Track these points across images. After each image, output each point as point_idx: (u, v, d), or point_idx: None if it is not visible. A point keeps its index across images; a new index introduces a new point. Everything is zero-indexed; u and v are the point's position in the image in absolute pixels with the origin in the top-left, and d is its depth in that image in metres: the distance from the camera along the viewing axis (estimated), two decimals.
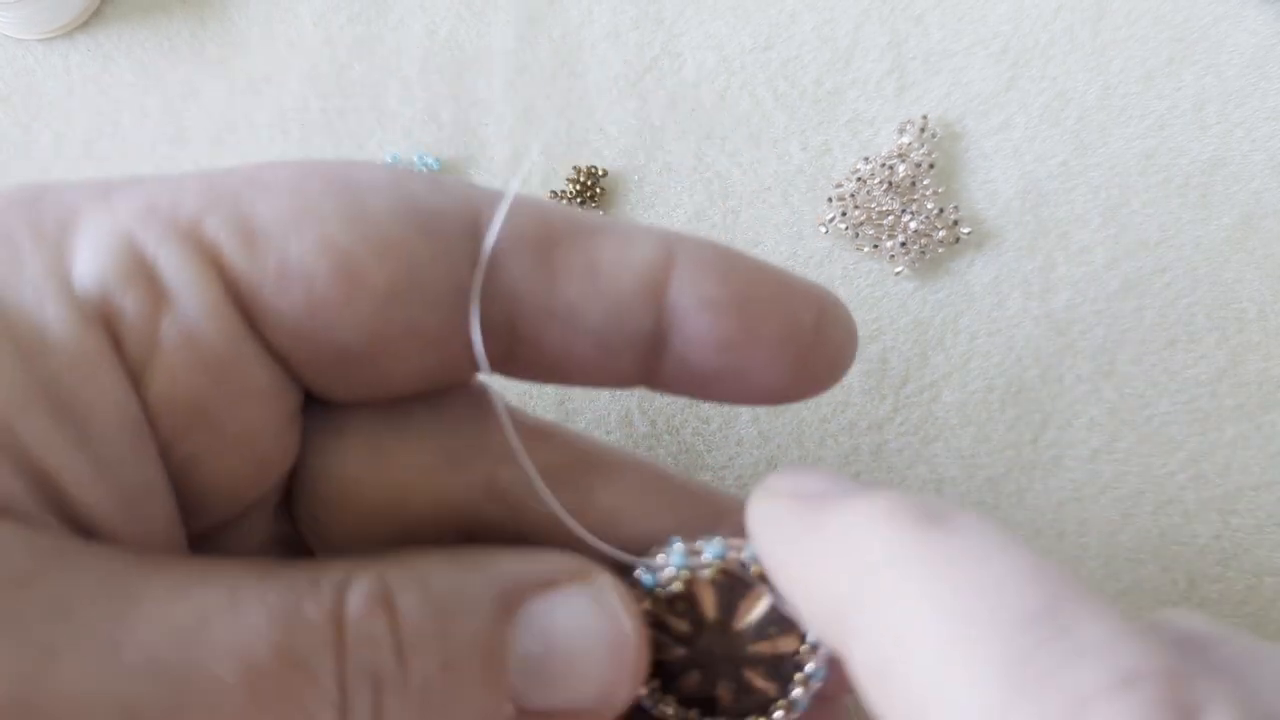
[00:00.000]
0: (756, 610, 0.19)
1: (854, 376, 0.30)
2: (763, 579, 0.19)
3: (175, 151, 0.33)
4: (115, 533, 0.16)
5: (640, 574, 0.18)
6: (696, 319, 0.18)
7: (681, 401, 0.29)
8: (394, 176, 0.18)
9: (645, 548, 0.19)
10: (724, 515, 0.20)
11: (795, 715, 0.19)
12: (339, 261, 0.16)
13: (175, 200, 0.17)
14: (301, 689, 0.15)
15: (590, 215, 0.19)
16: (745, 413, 0.30)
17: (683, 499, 0.20)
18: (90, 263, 0.16)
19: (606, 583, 0.18)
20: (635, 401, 0.29)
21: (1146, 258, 0.31)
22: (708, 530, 0.19)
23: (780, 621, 0.19)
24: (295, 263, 0.16)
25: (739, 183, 0.32)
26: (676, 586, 0.19)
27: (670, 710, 0.19)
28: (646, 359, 0.19)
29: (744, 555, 0.19)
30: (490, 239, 0.17)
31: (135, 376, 0.16)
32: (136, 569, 0.15)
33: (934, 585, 0.14)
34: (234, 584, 0.15)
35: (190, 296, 0.16)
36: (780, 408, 0.30)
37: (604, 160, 0.32)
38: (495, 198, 0.18)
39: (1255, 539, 0.29)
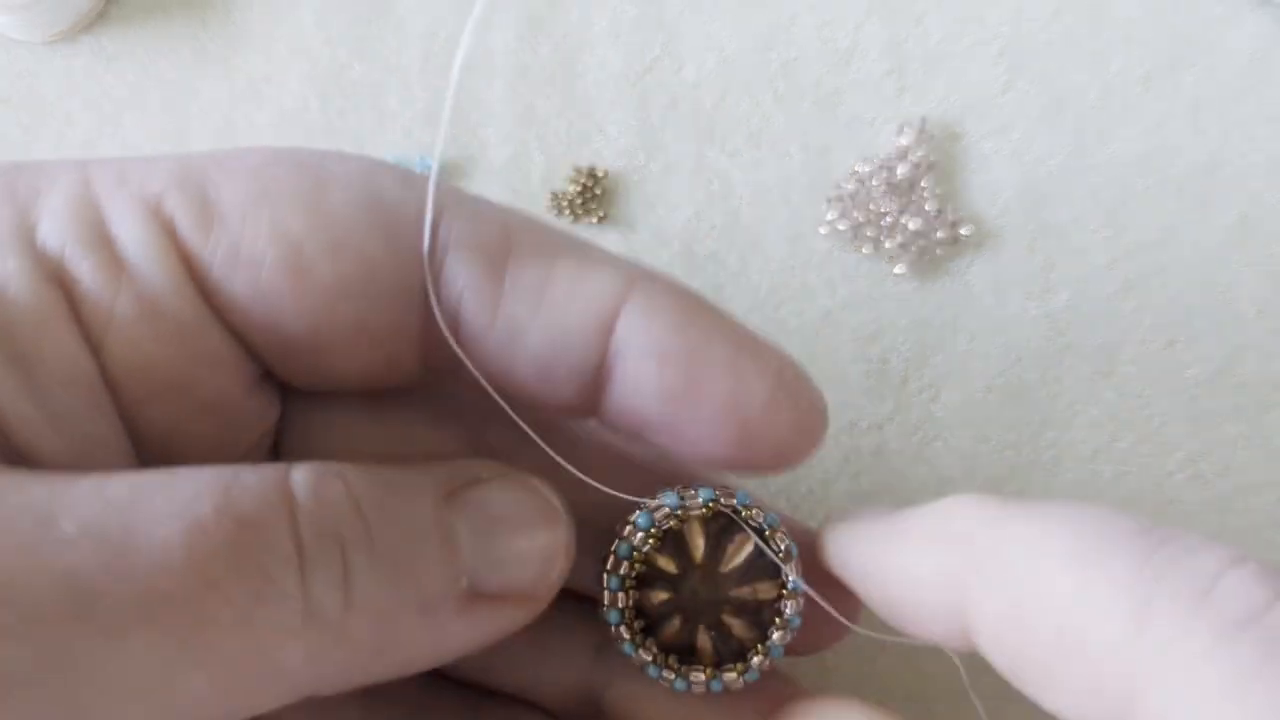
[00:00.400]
0: (742, 554, 0.19)
1: (854, 376, 0.30)
2: (749, 522, 0.19)
3: (176, 152, 0.33)
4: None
5: (637, 515, 0.19)
6: (640, 364, 0.18)
7: None
8: (365, 170, 0.18)
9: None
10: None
11: (770, 661, 0.19)
12: (288, 251, 0.17)
13: (144, 176, 0.17)
14: (252, 546, 0.14)
15: (560, 234, 0.19)
16: None
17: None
18: (52, 226, 0.16)
19: (535, 479, 0.18)
20: None
21: (1146, 258, 0.31)
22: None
23: (763, 570, 0.19)
24: (245, 248, 0.17)
25: (739, 183, 0.32)
26: (671, 524, 0.19)
27: (649, 657, 0.19)
28: (590, 392, 0.18)
29: (735, 500, 0.19)
30: (426, 239, 0.17)
31: (94, 340, 0.16)
32: (68, 477, 0.15)
33: (1043, 526, 0.15)
34: (169, 471, 0.15)
35: (148, 268, 0.16)
36: None
37: (604, 160, 0.32)
38: (465, 202, 0.18)
39: (1254, 539, 0.29)
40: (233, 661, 0.14)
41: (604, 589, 0.20)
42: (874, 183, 0.32)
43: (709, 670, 0.19)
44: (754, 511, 0.19)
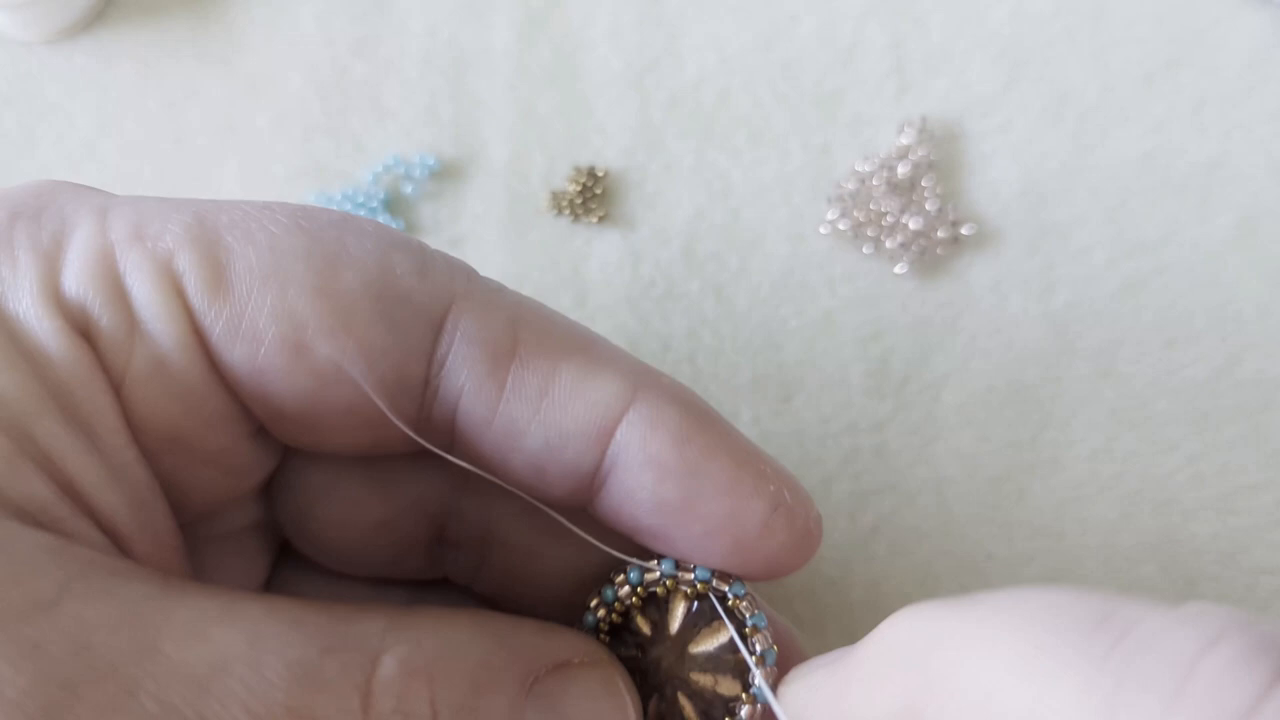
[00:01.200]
0: (715, 642, 0.19)
1: (854, 376, 0.30)
2: (732, 614, 0.19)
3: (177, 151, 0.33)
4: (131, 536, 0.16)
5: (630, 570, 0.19)
6: (636, 476, 0.18)
7: None
8: (382, 251, 0.18)
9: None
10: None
11: (760, 707, 0.19)
12: (290, 331, 0.17)
13: (160, 230, 0.17)
14: None
15: (569, 330, 0.18)
16: (745, 414, 0.30)
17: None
18: (74, 279, 0.16)
19: (616, 670, 0.18)
20: None
21: (1146, 258, 0.31)
22: None
23: (732, 665, 0.19)
24: (248, 322, 0.17)
25: (739, 183, 0.32)
26: (659, 589, 0.19)
27: None
28: (584, 492, 0.18)
29: (729, 588, 0.19)
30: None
31: (115, 391, 0.17)
32: (159, 598, 0.15)
33: (992, 633, 0.13)
34: (257, 629, 0.15)
35: (158, 327, 0.17)
36: (781, 408, 0.30)
37: (604, 160, 0.32)
38: (476, 292, 0.18)
39: (1253, 539, 0.29)
40: None
41: (581, 626, 0.20)
42: (875, 182, 0.32)
43: None
44: (743, 604, 0.19)
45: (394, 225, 0.31)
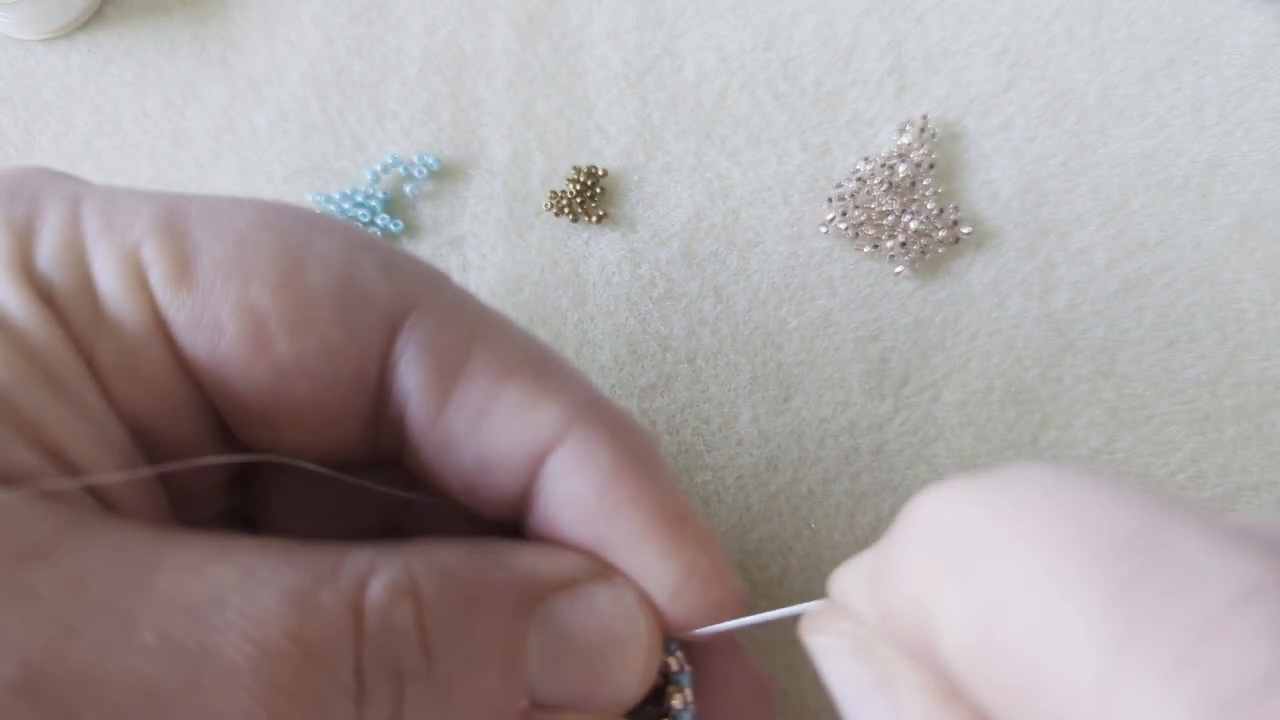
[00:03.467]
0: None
1: (854, 376, 0.30)
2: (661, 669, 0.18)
3: (175, 151, 0.33)
4: (120, 499, 0.16)
5: None
6: (558, 510, 0.18)
7: (681, 401, 0.29)
8: (350, 247, 0.18)
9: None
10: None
11: None
12: (250, 324, 0.17)
13: (129, 220, 0.17)
14: (315, 677, 0.14)
15: (524, 350, 0.18)
16: (745, 413, 0.30)
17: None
18: (45, 262, 0.17)
19: (624, 583, 0.18)
20: (635, 402, 0.29)
21: (1146, 258, 0.31)
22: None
23: (658, 714, 0.19)
24: (210, 314, 0.17)
25: (739, 183, 0.32)
26: None
27: None
28: (513, 509, 0.18)
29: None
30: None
31: (89, 367, 0.17)
32: (152, 542, 0.15)
33: (1020, 529, 0.12)
34: (251, 564, 0.15)
35: (123, 316, 0.17)
36: (780, 408, 0.30)
37: (604, 160, 0.32)
38: (441, 299, 0.18)
39: None
40: None
41: None
42: (874, 182, 0.32)
43: None
44: (672, 660, 0.19)
45: (393, 226, 0.31)
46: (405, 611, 0.16)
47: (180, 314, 0.17)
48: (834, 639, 0.17)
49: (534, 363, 0.18)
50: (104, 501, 0.16)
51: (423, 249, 0.31)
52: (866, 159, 0.32)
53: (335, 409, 0.18)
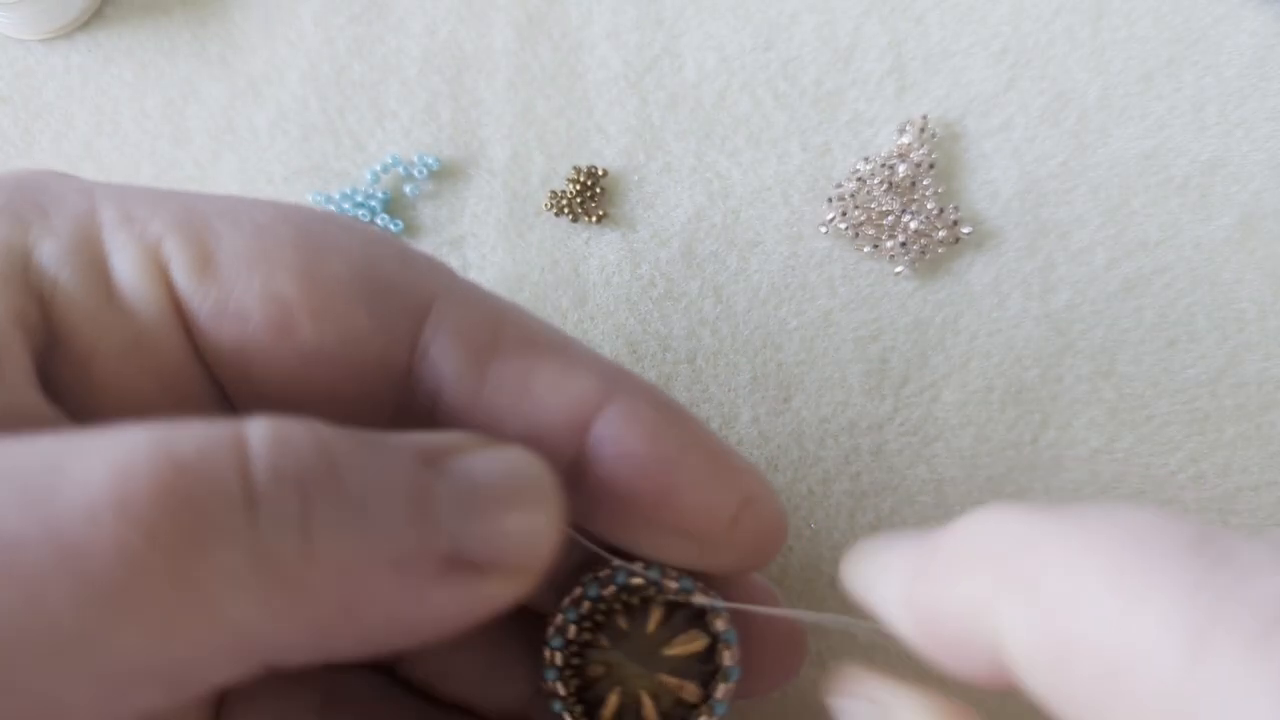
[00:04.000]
0: (687, 649, 0.19)
1: (854, 376, 0.30)
2: (707, 627, 0.20)
3: (175, 151, 0.33)
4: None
5: (617, 573, 0.19)
6: (612, 468, 0.18)
7: (681, 401, 0.29)
8: (367, 242, 0.18)
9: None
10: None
11: (717, 718, 0.19)
12: (276, 310, 0.17)
13: (148, 215, 0.17)
14: (191, 490, 0.13)
15: (546, 331, 0.19)
16: (745, 413, 0.30)
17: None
18: (53, 249, 0.16)
19: (521, 448, 0.17)
20: None
21: (1146, 258, 0.31)
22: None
23: (698, 674, 0.19)
24: (235, 301, 0.17)
25: (739, 183, 0.32)
26: (634, 598, 0.20)
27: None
28: (563, 484, 0.18)
29: (708, 602, 0.19)
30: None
31: (80, 366, 0.17)
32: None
33: (1082, 541, 0.13)
34: (110, 427, 0.14)
35: (140, 305, 0.17)
36: (780, 408, 0.30)
37: (604, 160, 0.32)
38: (457, 289, 0.18)
39: None
40: (171, 617, 0.13)
41: (560, 616, 0.20)
42: (874, 182, 0.32)
43: None
44: (719, 620, 0.20)
45: (393, 226, 0.31)
46: (298, 432, 0.14)
47: (204, 303, 0.17)
48: (862, 706, 0.17)
49: (558, 341, 0.19)
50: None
51: (422, 249, 0.31)
52: (866, 159, 0.32)
53: (360, 397, 0.18)
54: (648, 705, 0.19)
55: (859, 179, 0.32)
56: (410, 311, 0.18)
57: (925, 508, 0.29)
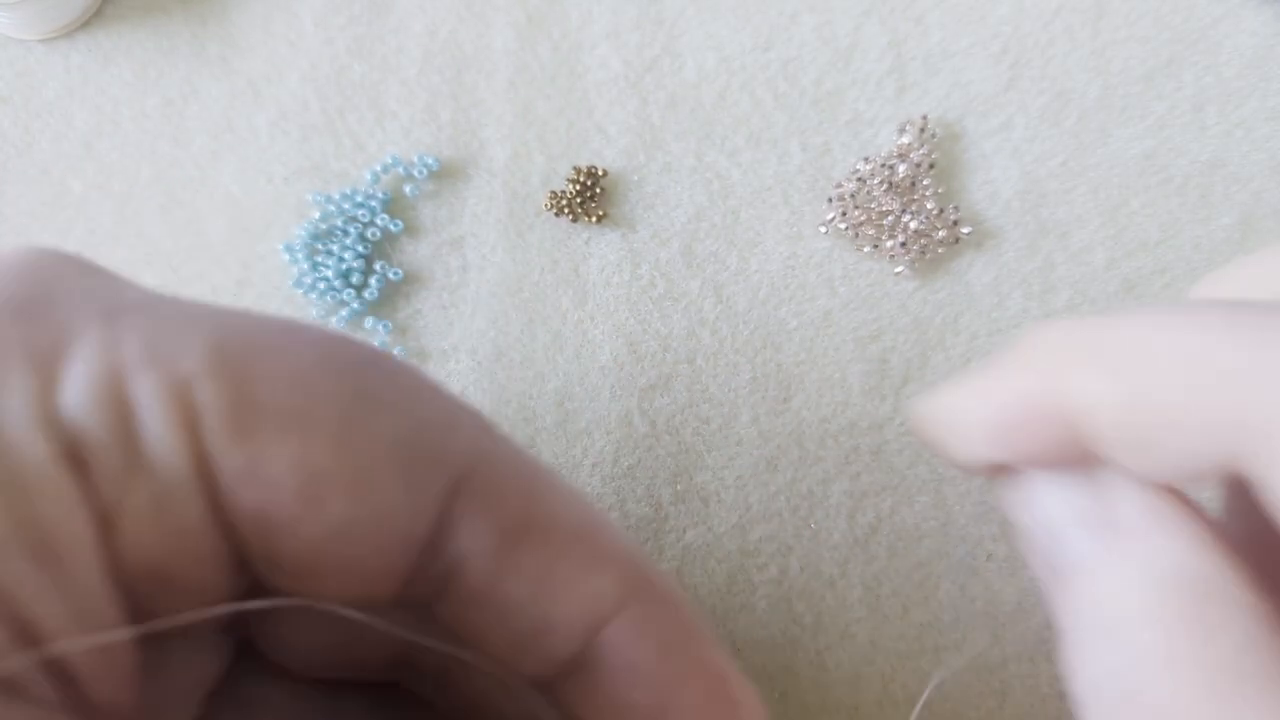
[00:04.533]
0: None
1: (854, 376, 0.30)
2: None
3: (175, 151, 0.33)
4: (87, 677, 0.15)
5: None
6: (616, 676, 0.18)
7: (681, 401, 0.29)
8: (413, 401, 0.17)
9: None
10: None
11: None
12: (308, 483, 0.16)
13: (178, 349, 0.16)
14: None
15: (577, 513, 0.18)
16: (745, 413, 0.30)
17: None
18: (75, 399, 0.15)
19: None
20: (635, 402, 0.29)
21: (1146, 258, 0.31)
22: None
23: None
24: (264, 468, 0.16)
25: (739, 183, 0.32)
26: None
27: None
28: (556, 675, 0.18)
29: None
30: None
31: (104, 526, 0.15)
32: None
33: (1153, 321, 0.15)
34: None
35: (167, 464, 0.15)
36: (780, 408, 0.30)
37: (604, 160, 0.32)
38: (497, 458, 0.18)
39: None
40: None
41: None
42: (874, 182, 0.32)
43: None
44: None
45: (393, 226, 0.31)
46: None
47: (234, 465, 0.15)
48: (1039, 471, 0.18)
49: (587, 527, 0.18)
50: (67, 681, 0.15)
51: (423, 249, 0.31)
52: (866, 159, 0.32)
53: (380, 565, 0.17)
54: None
55: (859, 179, 0.32)
56: (449, 484, 0.17)
57: (925, 508, 0.29)
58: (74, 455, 0.15)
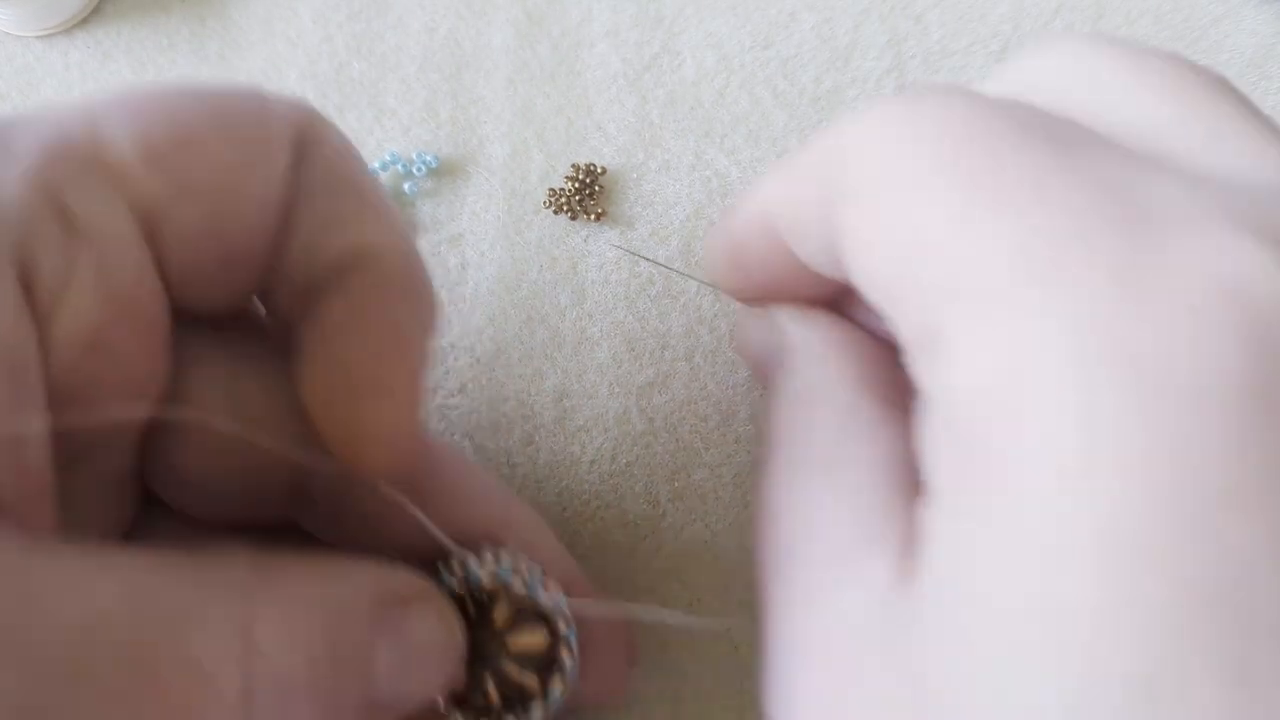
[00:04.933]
0: (530, 642, 0.21)
1: None
2: (549, 623, 0.21)
3: None
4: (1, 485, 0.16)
5: (469, 566, 0.21)
6: (331, 315, 0.20)
7: (679, 399, 0.29)
8: (218, 91, 0.20)
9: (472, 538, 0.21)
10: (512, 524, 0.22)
11: (552, 708, 0.21)
12: (223, 174, 0.18)
13: (74, 133, 0.18)
14: (203, 696, 0.15)
15: (370, 183, 0.21)
16: (743, 410, 0.30)
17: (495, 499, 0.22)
18: (4, 205, 0.16)
19: (446, 603, 0.20)
20: (633, 399, 0.29)
21: None
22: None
23: (538, 665, 0.21)
24: (193, 177, 0.18)
25: (738, 181, 0.32)
26: (483, 595, 0.21)
27: (441, 702, 0.21)
28: (308, 285, 0.20)
29: (551, 604, 0.21)
30: None
31: (43, 315, 0.17)
32: (31, 556, 0.15)
33: (927, 151, 0.15)
34: (131, 579, 0.15)
35: (104, 231, 0.17)
36: None
37: (603, 158, 0.32)
38: (324, 131, 0.21)
39: None
40: None
41: None
42: None
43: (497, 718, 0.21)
44: (560, 620, 0.21)
45: None
46: (298, 629, 0.16)
47: (168, 188, 0.18)
48: (754, 321, 0.22)
49: (379, 200, 0.21)
50: None
51: (421, 247, 0.31)
52: None
53: (249, 225, 0.19)
54: (491, 687, 0.21)
55: None
56: (291, 149, 0.19)
57: None
58: (16, 260, 0.16)
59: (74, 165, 0.17)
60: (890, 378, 0.19)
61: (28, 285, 0.17)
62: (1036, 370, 0.12)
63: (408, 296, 0.19)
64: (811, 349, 0.20)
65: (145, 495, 0.22)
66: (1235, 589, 0.11)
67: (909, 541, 0.15)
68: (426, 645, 0.19)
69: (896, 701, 0.14)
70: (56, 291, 0.17)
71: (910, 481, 0.16)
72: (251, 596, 0.16)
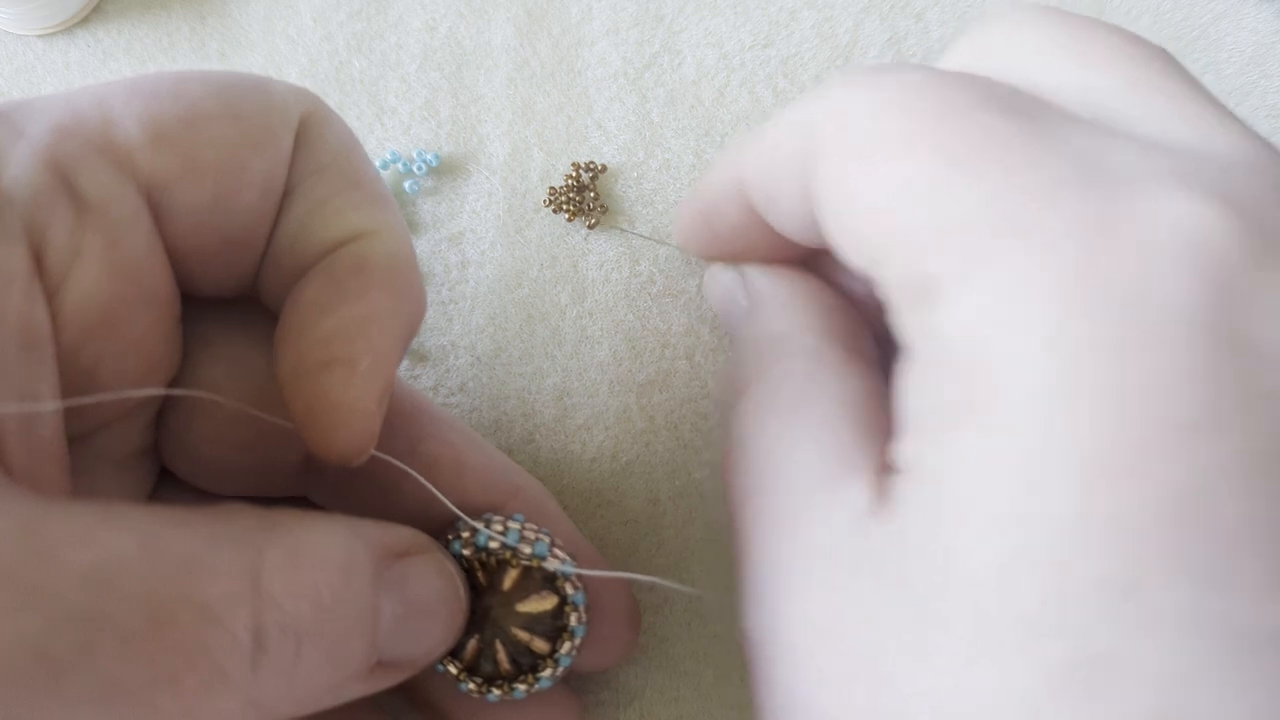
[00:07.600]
0: (539, 607, 0.21)
1: None
2: (558, 589, 0.21)
3: None
4: (14, 452, 0.16)
5: (478, 534, 0.21)
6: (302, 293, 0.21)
7: (680, 397, 0.29)
8: (224, 78, 0.20)
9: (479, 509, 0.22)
10: (518, 491, 0.23)
11: (561, 670, 0.21)
12: (229, 155, 0.19)
13: (84, 114, 0.18)
14: (212, 638, 0.15)
15: (371, 173, 0.21)
16: None
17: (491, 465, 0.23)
18: (16, 183, 0.17)
19: (446, 556, 0.20)
20: (634, 398, 0.29)
21: None
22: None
23: (548, 630, 0.21)
24: (199, 157, 0.18)
25: None
26: (492, 559, 0.21)
27: (454, 670, 0.21)
28: (296, 268, 0.21)
29: (559, 567, 0.21)
30: None
31: (52, 289, 0.17)
32: (45, 510, 0.15)
33: (910, 127, 0.16)
34: (143, 529, 0.15)
35: (112, 206, 0.17)
36: None
37: (603, 156, 0.32)
38: (326, 117, 0.21)
39: None
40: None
41: None
42: None
43: (505, 686, 0.21)
44: (568, 584, 0.22)
45: None
46: (307, 577, 0.16)
47: (173, 169, 0.18)
48: (724, 276, 0.24)
49: (375, 184, 0.21)
50: None
51: (422, 245, 0.31)
52: None
53: (250, 216, 0.19)
54: (501, 653, 0.21)
55: None
56: (276, 127, 0.19)
57: None
58: (25, 234, 0.17)
59: (84, 145, 0.17)
60: (854, 329, 0.20)
61: (38, 261, 0.17)
62: (1020, 310, 0.13)
63: (387, 281, 0.20)
64: (779, 299, 0.21)
65: (160, 471, 0.22)
66: (1201, 502, 0.12)
67: (881, 471, 0.16)
68: (429, 598, 0.19)
69: (893, 617, 0.14)
70: (66, 267, 0.17)
71: (877, 422, 0.17)
72: (260, 546, 0.16)
